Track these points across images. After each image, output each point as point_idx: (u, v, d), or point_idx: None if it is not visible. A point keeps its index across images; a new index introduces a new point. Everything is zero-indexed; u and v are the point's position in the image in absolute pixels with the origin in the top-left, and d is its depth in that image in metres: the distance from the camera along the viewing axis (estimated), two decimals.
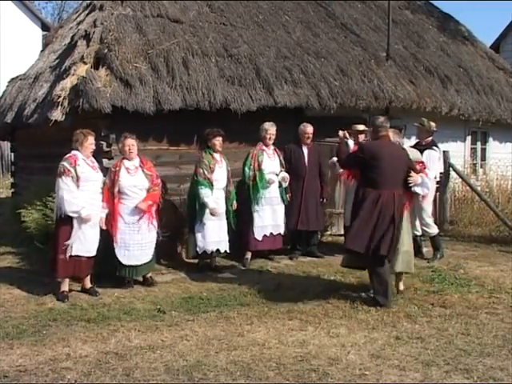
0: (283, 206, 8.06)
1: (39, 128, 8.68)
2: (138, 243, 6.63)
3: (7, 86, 10.70)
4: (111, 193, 6.56)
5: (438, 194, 10.51)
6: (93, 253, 6.35)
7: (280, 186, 8.01)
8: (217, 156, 7.52)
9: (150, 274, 6.91)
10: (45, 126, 8.02)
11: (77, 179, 6.14)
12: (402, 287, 6.42)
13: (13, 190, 11.86)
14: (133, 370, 4.38)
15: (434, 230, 8.18)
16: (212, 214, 7.23)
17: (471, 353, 4.76)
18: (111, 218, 6.54)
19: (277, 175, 8.00)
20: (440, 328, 5.35)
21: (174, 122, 8.04)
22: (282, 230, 8.04)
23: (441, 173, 10.33)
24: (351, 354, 4.71)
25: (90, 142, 6.35)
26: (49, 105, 8.03)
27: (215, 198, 7.34)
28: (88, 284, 6.49)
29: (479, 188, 10.86)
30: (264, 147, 7.99)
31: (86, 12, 9.40)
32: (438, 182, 10.43)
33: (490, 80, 12.79)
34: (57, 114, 7.63)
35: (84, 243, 6.23)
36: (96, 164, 6.51)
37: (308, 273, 7.42)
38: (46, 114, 7.95)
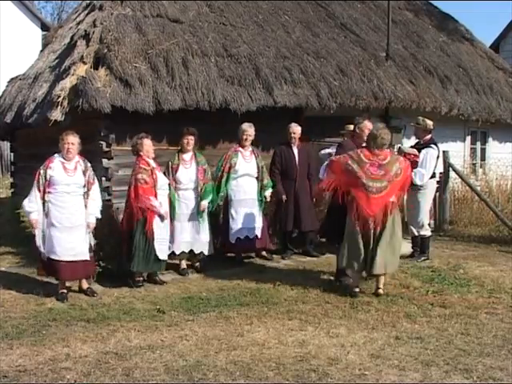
0: (259, 209, 7.86)
1: (39, 128, 8.68)
2: (164, 238, 6.83)
3: (7, 86, 10.69)
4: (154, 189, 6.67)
5: (437, 193, 10.52)
6: (75, 257, 6.19)
7: (260, 190, 7.87)
8: (186, 156, 7.35)
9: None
10: (44, 126, 8.01)
11: (44, 182, 6.15)
12: (380, 291, 6.29)
13: (12, 190, 11.85)
14: (132, 370, 4.37)
15: (427, 232, 8.10)
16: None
17: (471, 353, 4.75)
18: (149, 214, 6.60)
19: (256, 178, 7.85)
20: (440, 328, 5.35)
21: (174, 121, 8.03)
22: (258, 233, 7.84)
23: (440, 173, 10.35)
24: (351, 354, 4.70)
25: (65, 141, 6.22)
26: (48, 105, 8.03)
27: (183, 198, 7.24)
28: (84, 285, 6.47)
29: (479, 188, 10.86)
30: (240, 149, 7.84)
31: (86, 12, 9.41)
32: (437, 182, 10.44)
33: (489, 80, 12.80)
34: (56, 114, 7.63)
35: (57, 246, 6.14)
36: (80, 167, 6.31)
37: (308, 273, 7.41)
38: (45, 113, 7.96)
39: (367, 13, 12.69)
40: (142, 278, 6.79)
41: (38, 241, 6.20)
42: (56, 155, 6.32)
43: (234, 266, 7.71)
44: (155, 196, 6.65)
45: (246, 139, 7.81)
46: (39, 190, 6.16)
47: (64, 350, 4.76)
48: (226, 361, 4.55)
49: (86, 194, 6.31)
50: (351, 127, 8.14)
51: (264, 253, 8.20)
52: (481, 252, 8.86)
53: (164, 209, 6.75)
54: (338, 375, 4.31)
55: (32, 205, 6.17)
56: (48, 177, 6.15)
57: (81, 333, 5.17)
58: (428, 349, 4.82)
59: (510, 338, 5.10)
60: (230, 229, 7.75)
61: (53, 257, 6.17)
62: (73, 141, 6.25)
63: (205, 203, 7.34)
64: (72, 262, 6.20)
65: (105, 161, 7.85)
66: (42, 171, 6.20)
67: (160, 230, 6.72)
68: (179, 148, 7.42)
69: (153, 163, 6.83)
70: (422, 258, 7.94)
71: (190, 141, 7.30)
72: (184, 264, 7.46)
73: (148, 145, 6.79)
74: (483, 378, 4.29)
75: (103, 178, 7.81)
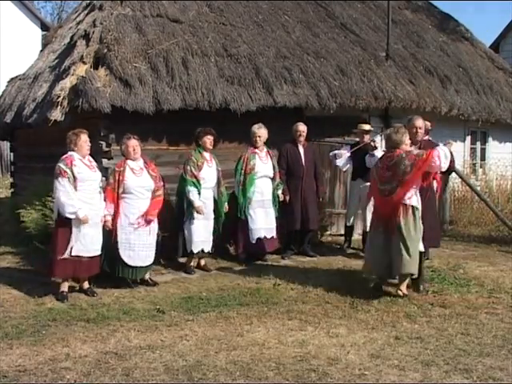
0: (274, 210, 8.00)
1: (39, 128, 8.68)
2: (143, 244, 6.63)
3: (7, 86, 10.70)
4: (116, 193, 6.55)
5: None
6: (94, 253, 6.32)
7: (274, 190, 7.98)
8: (206, 155, 7.48)
9: (148, 276, 6.89)
10: (44, 126, 8.01)
11: (74, 180, 6.12)
12: (400, 292, 6.28)
13: (12, 189, 11.86)
14: (132, 370, 4.37)
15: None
16: (197, 212, 7.23)
17: (471, 353, 4.76)
18: (114, 218, 6.53)
19: (271, 179, 7.95)
20: (439, 328, 5.35)
21: (174, 121, 8.04)
22: (274, 233, 7.98)
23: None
24: (351, 354, 4.70)
25: (84, 140, 6.29)
26: (48, 105, 8.03)
27: (203, 197, 7.30)
28: (86, 284, 6.47)
29: (479, 188, 10.86)
30: (256, 150, 7.93)
31: (86, 12, 9.41)
32: None
33: (489, 80, 12.79)
34: (56, 114, 7.63)
35: (84, 243, 6.21)
36: (94, 163, 6.47)
37: (307, 273, 7.42)
38: (45, 113, 7.95)
39: (367, 13, 12.68)
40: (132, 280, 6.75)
41: (73, 239, 6.12)
42: (72, 153, 6.26)
43: (237, 265, 7.75)
44: (112, 199, 6.53)
45: (256, 141, 7.90)
46: (73, 188, 6.11)
47: (64, 350, 4.76)
48: (226, 361, 4.55)
49: (101, 190, 6.45)
50: (364, 126, 8.15)
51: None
52: (481, 252, 8.87)
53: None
54: (337, 375, 4.31)
55: (74, 203, 6.07)
56: (76, 174, 6.14)
57: (81, 333, 5.17)
58: (428, 349, 4.82)
59: (509, 337, 5.11)
60: (249, 229, 7.81)
61: (83, 254, 6.19)
62: (88, 139, 6.38)
63: (226, 206, 7.65)
64: (91, 258, 6.29)
65: (105, 161, 7.84)
66: (67, 170, 6.11)
67: (125, 234, 6.56)
68: (197, 147, 7.49)
69: (140, 163, 6.74)
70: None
71: (211, 141, 7.46)
72: (192, 263, 7.53)
73: (130, 145, 6.68)
74: (483, 378, 4.30)
75: (103, 178, 7.79)
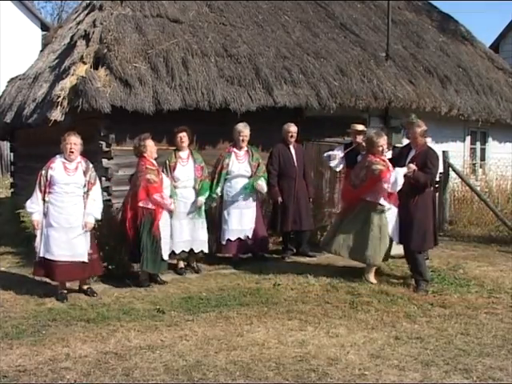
0: (253, 210, 7.80)
1: (39, 128, 8.69)
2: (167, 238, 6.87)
3: (7, 86, 10.71)
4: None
5: (437, 193, 10.52)
6: (72, 258, 6.18)
7: (247, 189, 7.73)
8: (183, 154, 7.35)
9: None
10: (44, 126, 8.02)
11: (45, 182, 6.17)
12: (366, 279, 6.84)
13: (12, 190, 11.86)
14: (132, 370, 4.38)
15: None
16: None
17: (470, 353, 4.76)
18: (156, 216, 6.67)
19: (250, 178, 7.72)
20: (439, 328, 5.35)
21: (174, 121, 8.02)
22: (249, 234, 7.76)
23: (440, 173, 10.35)
24: (351, 354, 4.71)
25: (67, 142, 6.23)
26: (48, 105, 8.04)
27: (182, 197, 7.21)
28: (85, 285, 6.46)
29: (479, 188, 10.86)
30: (234, 149, 7.77)
31: (86, 12, 9.42)
32: (437, 182, 10.44)
33: (489, 80, 12.80)
34: (56, 114, 7.64)
35: (54, 247, 6.14)
36: (80, 167, 6.30)
37: (307, 273, 7.40)
38: (45, 113, 7.96)
39: (367, 13, 12.70)
40: (147, 278, 6.80)
41: (37, 241, 6.21)
42: (58, 156, 6.33)
43: (232, 266, 7.71)
44: (162, 195, 6.69)
45: (242, 140, 7.75)
46: (40, 191, 6.18)
47: (64, 350, 4.76)
48: (226, 361, 4.56)
49: (86, 195, 6.29)
50: (357, 127, 8.15)
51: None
52: (481, 252, 8.87)
53: (172, 205, 6.88)
54: (337, 375, 4.32)
55: (34, 205, 6.18)
56: (49, 177, 6.17)
57: (81, 333, 5.17)
58: (428, 349, 4.82)
59: (509, 337, 5.11)
60: (221, 230, 7.72)
61: (49, 257, 6.16)
62: (75, 141, 6.26)
63: (201, 199, 7.33)
64: (68, 262, 6.18)
65: (105, 161, 7.85)
66: (43, 172, 6.23)
67: (164, 230, 6.74)
68: (175, 148, 7.43)
69: (156, 164, 6.84)
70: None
71: (183, 137, 7.31)
72: (182, 263, 7.47)
73: (151, 145, 6.81)
74: (483, 378, 4.30)
75: (103, 178, 7.80)
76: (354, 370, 4.39)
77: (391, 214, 6.79)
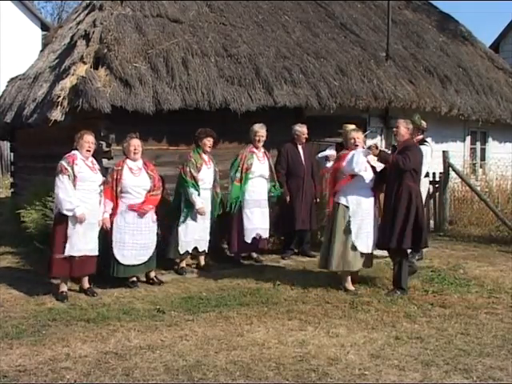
0: (268, 211, 7.92)
1: (39, 128, 8.68)
2: (137, 243, 6.63)
3: (7, 86, 10.71)
4: (114, 192, 6.57)
5: (437, 193, 10.52)
6: (90, 252, 6.29)
7: (270, 190, 7.94)
8: (205, 156, 7.46)
9: (153, 274, 6.93)
10: (44, 126, 8.02)
11: (74, 178, 6.13)
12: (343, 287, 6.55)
13: (12, 189, 11.87)
14: (132, 370, 4.37)
15: None
16: (199, 213, 7.23)
17: (471, 353, 4.76)
18: (111, 217, 6.56)
19: (267, 179, 7.89)
20: (439, 328, 5.35)
21: (174, 121, 8.04)
22: (267, 234, 7.93)
23: (440, 173, 10.36)
24: (351, 354, 4.71)
25: (86, 141, 6.30)
26: (48, 105, 8.03)
27: (201, 197, 7.29)
28: (86, 284, 6.47)
29: (479, 188, 10.87)
30: (254, 149, 7.88)
31: (86, 12, 9.41)
32: (437, 182, 10.45)
33: (489, 80, 12.80)
34: (56, 114, 7.64)
35: (79, 242, 6.18)
36: (96, 165, 6.48)
37: (307, 273, 7.42)
38: (45, 113, 7.96)
39: (367, 13, 12.70)
40: (135, 279, 6.79)
41: (68, 238, 6.14)
42: (75, 152, 6.29)
43: (234, 266, 7.73)
44: (111, 197, 6.57)
45: (258, 140, 7.85)
46: (72, 186, 6.12)
47: (64, 350, 4.76)
48: (226, 361, 4.56)
49: (101, 193, 6.44)
50: (349, 127, 8.14)
51: (254, 254, 8.16)
52: (481, 252, 8.87)
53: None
54: (337, 375, 4.32)
55: (73, 200, 6.09)
56: (76, 173, 6.15)
57: (81, 333, 5.17)
58: (428, 349, 4.82)
59: (509, 337, 5.11)
60: (245, 229, 7.76)
61: (74, 254, 6.17)
62: (92, 140, 6.38)
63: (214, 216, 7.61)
64: (85, 257, 6.26)
65: (105, 161, 7.84)
66: (68, 167, 6.13)
67: (120, 235, 6.59)
68: (194, 148, 7.48)
69: (139, 164, 6.75)
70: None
71: (211, 143, 7.44)
72: (184, 263, 7.49)
73: (133, 145, 6.71)
74: (483, 378, 4.30)
75: (103, 178, 7.80)
76: (354, 370, 4.39)
77: (363, 222, 6.45)
